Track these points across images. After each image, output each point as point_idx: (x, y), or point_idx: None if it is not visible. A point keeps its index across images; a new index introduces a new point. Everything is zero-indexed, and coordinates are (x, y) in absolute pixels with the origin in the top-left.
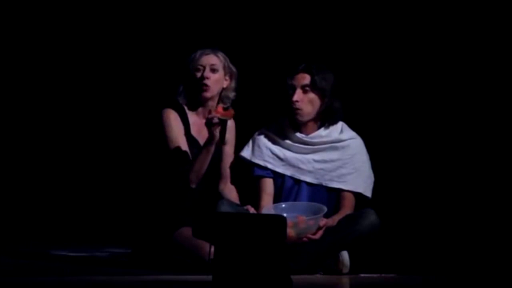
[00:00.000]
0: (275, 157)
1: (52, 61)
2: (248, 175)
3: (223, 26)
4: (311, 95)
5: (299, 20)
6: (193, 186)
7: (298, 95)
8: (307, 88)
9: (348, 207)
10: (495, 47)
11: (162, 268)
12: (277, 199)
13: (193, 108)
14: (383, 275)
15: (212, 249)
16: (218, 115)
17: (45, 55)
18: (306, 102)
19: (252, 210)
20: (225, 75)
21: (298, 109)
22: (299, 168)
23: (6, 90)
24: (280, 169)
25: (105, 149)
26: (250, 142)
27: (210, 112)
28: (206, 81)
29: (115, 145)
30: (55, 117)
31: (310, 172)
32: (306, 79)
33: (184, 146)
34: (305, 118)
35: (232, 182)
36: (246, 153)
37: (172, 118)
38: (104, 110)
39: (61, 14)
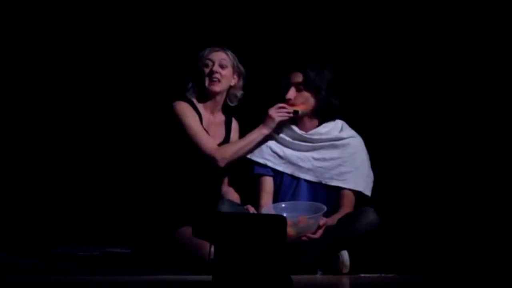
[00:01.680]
0: (275, 155)
1: (52, 61)
2: (248, 174)
3: (224, 25)
4: (305, 93)
5: (298, 18)
6: (222, 165)
7: (291, 93)
8: (301, 86)
9: (348, 205)
10: (495, 47)
11: (162, 268)
12: (276, 197)
13: (201, 104)
14: (383, 275)
15: (212, 249)
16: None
17: (48, 54)
18: (299, 100)
19: (252, 209)
20: (233, 73)
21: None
22: (298, 166)
23: (6, 90)
24: (280, 167)
25: (105, 149)
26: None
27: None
28: (216, 75)
29: (115, 145)
30: (55, 117)
31: (309, 170)
32: (299, 77)
33: (203, 129)
34: (305, 116)
35: (232, 181)
36: None
37: (187, 108)
38: (104, 110)
39: (69, 11)
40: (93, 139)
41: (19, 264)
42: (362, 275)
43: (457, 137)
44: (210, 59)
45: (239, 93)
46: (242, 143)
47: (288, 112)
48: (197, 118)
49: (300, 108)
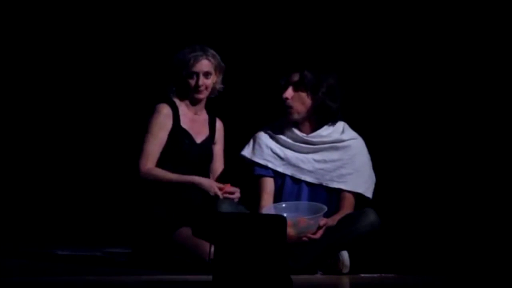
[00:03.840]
0: (275, 156)
1: (50, 61)
2: (249, 175)
3: (222, 25)
4: (302, 93)
5: (300, 19)
6: (139, 180)
7: (288, 92)
8: (298, 86)
9: (348, 207)
10: (495, 47)
11: (162, 268)
12: (277, 199)
13: (185, 105)
14: (383, 275)
15: (212, 249)
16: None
17: (44, 55)
18: (297, 99)
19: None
20: (215, 73)
21: (288, 106)
22: (299, 167)
23: (6, 90)
24: (281, 168)
25: (105, 149)
26: (251, 141)
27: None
28: (201, 88)
29: (115, 145)
30: (55, 117)
31: (310, 171)
32: (296, 76)
33: (159, 144)
34: (296, 116)
35: (232, 183)
36: (246, 152)
37: (163, 114)
38: (103, 110)
39: (58, 14)
40: (93, 140)
41: (19, 264)
42: (362, 275)
43: (457, 138)
44: (194, 72)
45: (219, 86)
46: (167, 177)
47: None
48: (165, 126)
49: (298, 109)
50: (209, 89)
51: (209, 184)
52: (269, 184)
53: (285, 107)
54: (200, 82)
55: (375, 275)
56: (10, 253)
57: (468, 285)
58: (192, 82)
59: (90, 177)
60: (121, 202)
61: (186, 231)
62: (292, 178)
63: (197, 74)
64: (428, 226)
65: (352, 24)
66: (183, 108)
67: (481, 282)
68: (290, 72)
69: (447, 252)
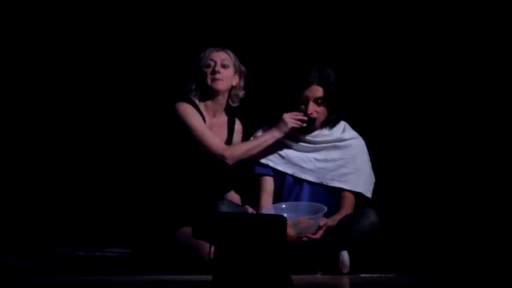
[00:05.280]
0: (276, 155)
1: (53, 62)
2: (249, 173)
3: (225, 25)
4: (322, 106)
5: (299, 19)
6: (231, 163)
7: (312, 108)
8: (319, 100)
9: (348, 206)
10: (495, 47)
11: (162, 268)
12: (278, 198)
13: (204, 106)
14: (383, 275)
15: (212, 249)
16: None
17: (49, 54)
18: (319, 113)
19: (251, 210)
20: (235, 73)
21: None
22: (300, 166)
23: (6, 90)
24: (282, 167)
25: (105, 149)
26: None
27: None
28: (218, 75)
29: (116, 145)
30: (55, 117)
31: (311, 171)
32: (319, 92)
33: (209, 131)
34: (318, 127)
35: (232, 183)
36: None
37: (190, 109)
38: (104, 110)
39: (71, 11)
40: (94, 140)
41: (19, 264)
42: (362, 275)
43: (457, 138)
44: (212, 59)
45: (241, 93)
46: (253, 144)
47: (303, 121)
48: (201, 118)
49: (315, 116)
50: (227, 82)
51: (288, 122)
52: (268, 183)
53: (307, 121)
54: (217, 68)
55: (375, 275)
56: (11, 252)
57: (469, 285)
58: (209, 70)
59: (91, 177)
60: (121, 202)
61: (186, 231)
62: (293, 177)
63: (215, 63)
64: (428, 226)
65: (353, 23)
66: (203, 110)
67: (482, 282)
68: (310, 85)
69: (447, 252)
